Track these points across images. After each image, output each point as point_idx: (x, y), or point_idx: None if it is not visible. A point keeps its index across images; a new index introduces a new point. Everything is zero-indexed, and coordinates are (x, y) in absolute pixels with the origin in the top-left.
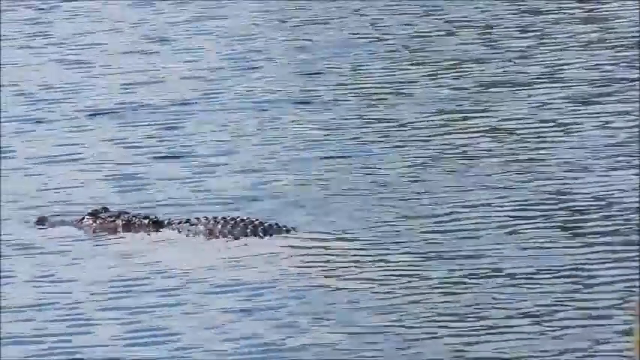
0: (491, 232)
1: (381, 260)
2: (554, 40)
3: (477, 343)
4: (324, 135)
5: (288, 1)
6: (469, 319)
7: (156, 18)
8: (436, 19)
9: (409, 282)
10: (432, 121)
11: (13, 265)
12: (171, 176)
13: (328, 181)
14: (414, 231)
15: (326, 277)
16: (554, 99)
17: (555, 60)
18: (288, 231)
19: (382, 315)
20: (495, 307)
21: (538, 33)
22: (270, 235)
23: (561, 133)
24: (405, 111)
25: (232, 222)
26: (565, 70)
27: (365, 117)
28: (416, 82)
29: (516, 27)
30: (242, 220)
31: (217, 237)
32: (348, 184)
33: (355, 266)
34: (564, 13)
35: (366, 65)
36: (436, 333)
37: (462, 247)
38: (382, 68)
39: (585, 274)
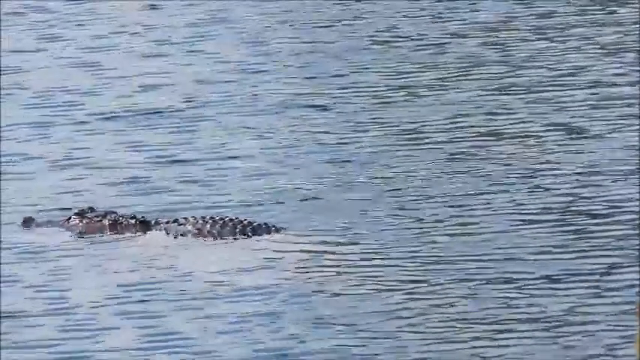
0: (502, 237)
1: (385, 265)
2: (569, 44)
3: (487, 347)
4: (335, 138)
5: (300, 1)
6: (479, 325)
7: (169, 21)
8: (449, 21)
9: (413, 288)
10: (445, 124)
11: (12, 269)
12: (182, 180)
13: (338, 184)
14: (423, 234)
15: (330, 281)
16: (569, 103)
17: (571, 63)
18: (277, 231)
19: (388, 320)
20: (506, 313)
21: (553, 36)
22: (259, 235)
23: (576, 138)
24: (417, 115)
25: (221, 222)
26: (580, 73)
27: (376, 120)
28: (428, 85)
29: (531, 30)
30: (231, 220)
31: (205, 237)
32: (357, 187)
33: (358, 270)
34: (580, 16)
35: (378, 68)
36: (445, 339)
37: (472, 252)
38: (394, 71)
39: (597, 279)
